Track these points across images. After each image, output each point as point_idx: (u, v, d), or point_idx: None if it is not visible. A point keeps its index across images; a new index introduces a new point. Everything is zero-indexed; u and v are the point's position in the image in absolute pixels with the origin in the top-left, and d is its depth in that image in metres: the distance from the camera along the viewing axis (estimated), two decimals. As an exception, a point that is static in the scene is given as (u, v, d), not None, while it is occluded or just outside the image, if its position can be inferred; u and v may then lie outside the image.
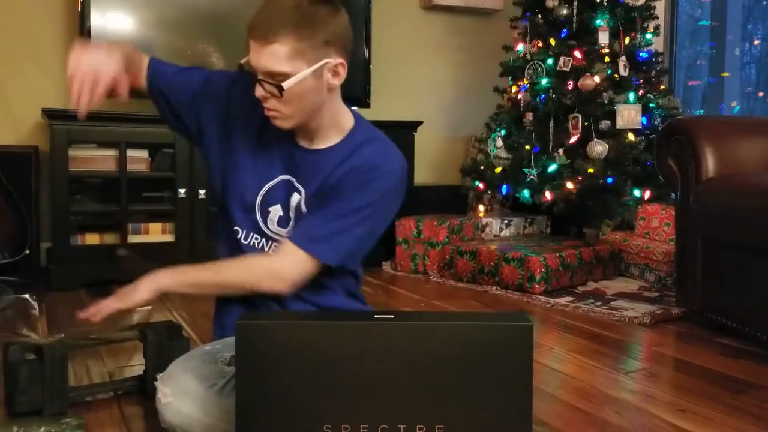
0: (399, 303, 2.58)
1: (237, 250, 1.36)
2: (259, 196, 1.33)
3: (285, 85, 1.20)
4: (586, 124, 3.21)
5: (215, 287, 1.32)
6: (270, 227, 1.34)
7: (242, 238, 1.35)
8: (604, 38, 3.25)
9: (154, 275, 1.26)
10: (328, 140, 1.33)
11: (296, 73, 1.20)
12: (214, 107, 1.36)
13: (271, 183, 1.33)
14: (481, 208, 3.61)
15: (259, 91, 1.23)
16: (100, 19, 2.90)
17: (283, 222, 1.34)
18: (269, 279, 1.26)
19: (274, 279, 1.26)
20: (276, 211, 1.33)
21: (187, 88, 1.38)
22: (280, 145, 1.33)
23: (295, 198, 1.33)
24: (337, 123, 1.33)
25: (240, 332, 0.95)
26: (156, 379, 1.23)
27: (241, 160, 1.34)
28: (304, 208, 1.32)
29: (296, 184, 1.33)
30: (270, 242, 1.34)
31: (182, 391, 1.19)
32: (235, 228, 1.35)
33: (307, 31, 1.20)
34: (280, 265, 1.27)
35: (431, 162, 3.92)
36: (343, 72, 1.26)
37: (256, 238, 1.34)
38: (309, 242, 1.26)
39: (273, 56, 1.20)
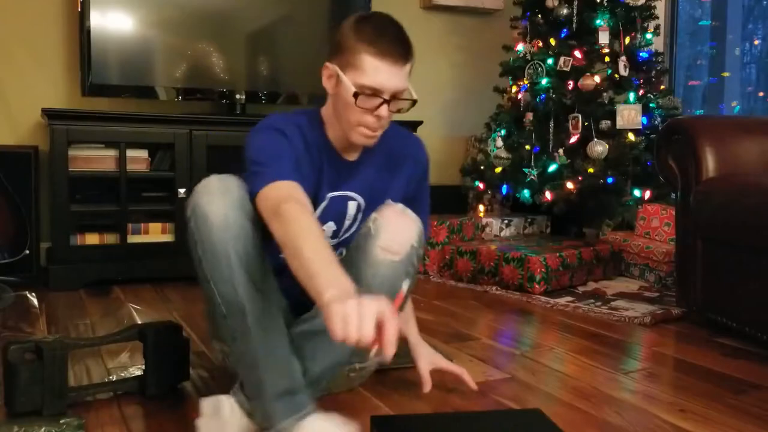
0: (399, 303, 2.58)
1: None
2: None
3: (415, 96, 1.37)
4: (586, 124, 3.21)
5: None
6: None
7: None
8: (604, 38, 3.25)
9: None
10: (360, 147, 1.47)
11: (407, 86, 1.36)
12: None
13: (323, 204, 1.44)
14: (481, 208, 3.61)
15: (384, 112, 1.32)
16: (100, 19, 2.90)
17: (334, 234, 1.49)
18: None
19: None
20: (329, 227, 1.47)
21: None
22: (326, 166, 1.43)
23: (352, 206, 1.48)
24: None
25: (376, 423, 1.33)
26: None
27: None
28: (363, 206, 1.48)
29: (349, 193, 1.47)
30: None
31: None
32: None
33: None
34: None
35: (431, 162, 3.88)
36: None
37: None
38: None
39: (405, 74, 1.34)
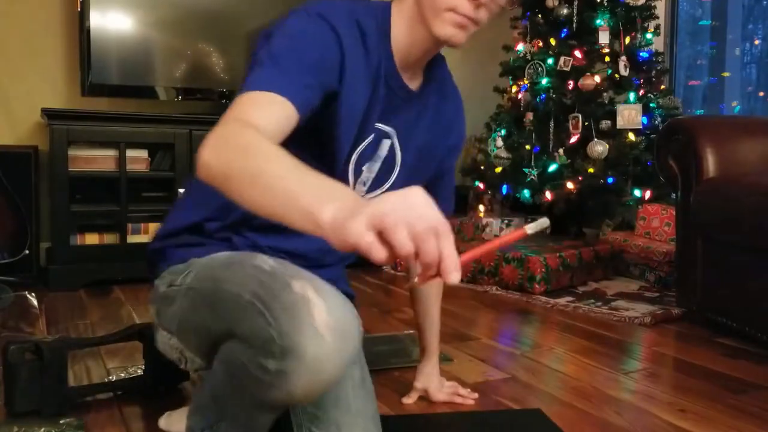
0: (399, 303, 2.58)
1: None
2: (354, 154, 1.14)
3: None
4: (586, 124, 3.21)
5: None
6: (357, 189, 1.18)
7: None
8: (604, 38, 3.25)
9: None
10: (421, 72, 1.20)
11: None
12: (333, 78, 1.06)
13: (368, 139, 1.15)
14: (481, 208, 3.61)
15: None
16: (99, 19, 2.90)
17: (376, 184, 1.20)
18: None
19: None
20: (370, 172, 1.19)
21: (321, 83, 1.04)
22: (381, 86, 1.12)
23: (386, 144, 1.17)
24: None
25: None
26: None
27: (342, 116, 1.08)
28: (399, 154, 1.20)
29: (389, 129, 1.17)
30: None
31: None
32: None
33: None
34: None
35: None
36: None
37: None
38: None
39: None
